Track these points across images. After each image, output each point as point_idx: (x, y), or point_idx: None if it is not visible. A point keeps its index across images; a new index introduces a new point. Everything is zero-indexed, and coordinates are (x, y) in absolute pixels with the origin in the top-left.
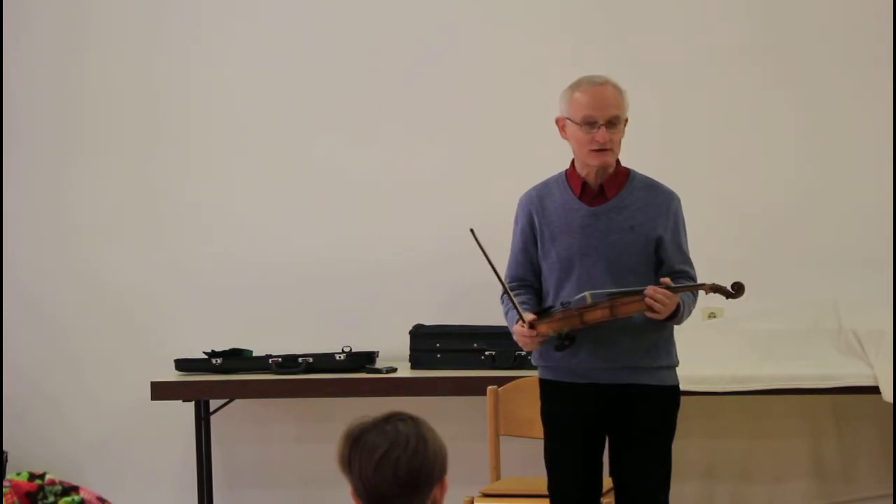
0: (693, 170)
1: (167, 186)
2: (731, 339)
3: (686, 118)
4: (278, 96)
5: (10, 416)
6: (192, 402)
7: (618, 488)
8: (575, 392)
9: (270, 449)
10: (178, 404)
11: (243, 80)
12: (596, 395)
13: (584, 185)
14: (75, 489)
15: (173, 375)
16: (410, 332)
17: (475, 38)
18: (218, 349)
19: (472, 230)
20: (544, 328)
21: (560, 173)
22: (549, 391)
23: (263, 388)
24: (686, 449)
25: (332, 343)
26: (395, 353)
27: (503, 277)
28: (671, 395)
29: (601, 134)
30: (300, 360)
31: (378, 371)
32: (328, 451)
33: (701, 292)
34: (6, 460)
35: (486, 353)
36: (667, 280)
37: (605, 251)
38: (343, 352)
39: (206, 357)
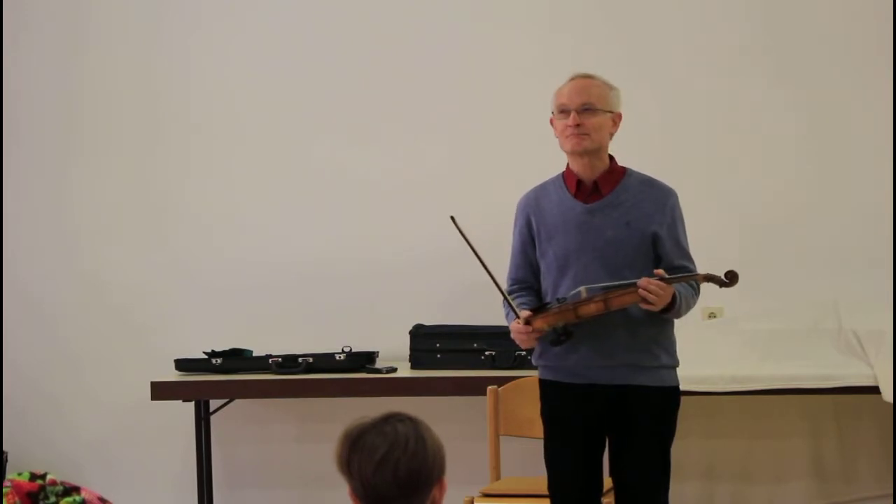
0: (693, 170)
1: (167, 186)
2: (731, 339)
3: (686, 118)
4: (278, 96)
5: (10, 416)
6: (192, 402)
7: (617, 488)
8: (574, 392)
9: (270, 449)
10: (178, 404)
11: (243, 80)
12: (595, 395)
13: (580, 183)
14: (77, 489)
15: (173, 375)
16: (410, 332)
17: (475, 38)
18: (218, 349)
19: (452, 217)
20: (539, 323)
21: (558, 174)
22: (549, 391)
23: (263, 388)
24: (686, 449)
25: (332, 343)
26: (395, 353)
27: (505, 279)
28: (671, 396)
29: (571, 118)
30: (300, 360)
31: (378, 371)
32: (328, 451)
33: (702, 289)
34: (6, 460)
35: (486, 353)
36: (660, 271)
37: (602, 248)
38: (343, 352)
39: (206, 357)
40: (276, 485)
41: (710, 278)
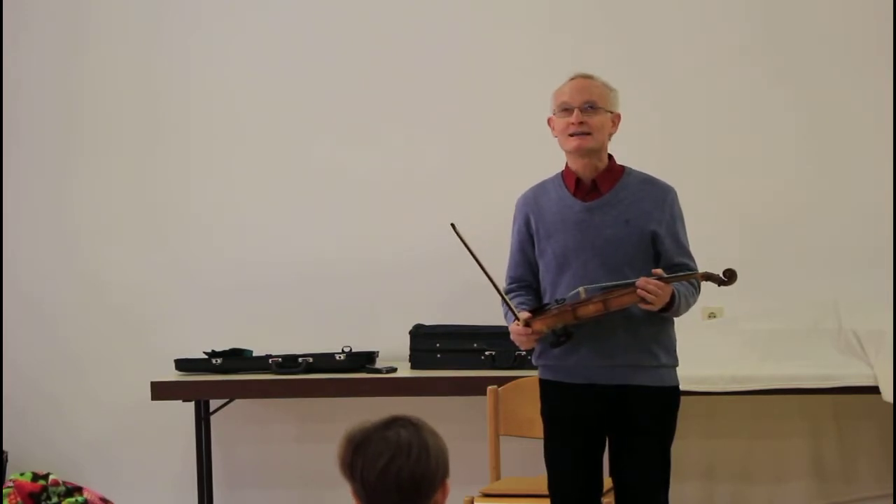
0: (693, 170)
1: (167, 186)
2: (731, 339)
3: (686, 118)
4: (278, 96)
5: (10, 416)
6: (192, 402)
7: (617, 488)
8: (574, 392)
9: (270, 449)
10: (178, 404)
11: (243, 80)
12: (595, 395)
13: (578, 181)
14: (79, 490)
15: (173, 375)
16: (410, 332)
17: (475, 38)
18: (218, 349)
19: (452, 224)
20: (539, 325)
21: (556, 174)
22: (549, 391)
23: (263, 388)
24: (686, 449)
25: (332, 343)
26: (395, 353)
27: (504, 279)
28: (671, 396)
29: (574, 116)
30: (300, 360)
31: (378, 371)
32: (328, 451)
33: (702, 289)
34: (6, 460)
35: (486, 353)
36: (658, 271)
37: (601, 246)
38: (343, 352)
39: (206, 357)
40: (276, 485)
41: (708, 277)
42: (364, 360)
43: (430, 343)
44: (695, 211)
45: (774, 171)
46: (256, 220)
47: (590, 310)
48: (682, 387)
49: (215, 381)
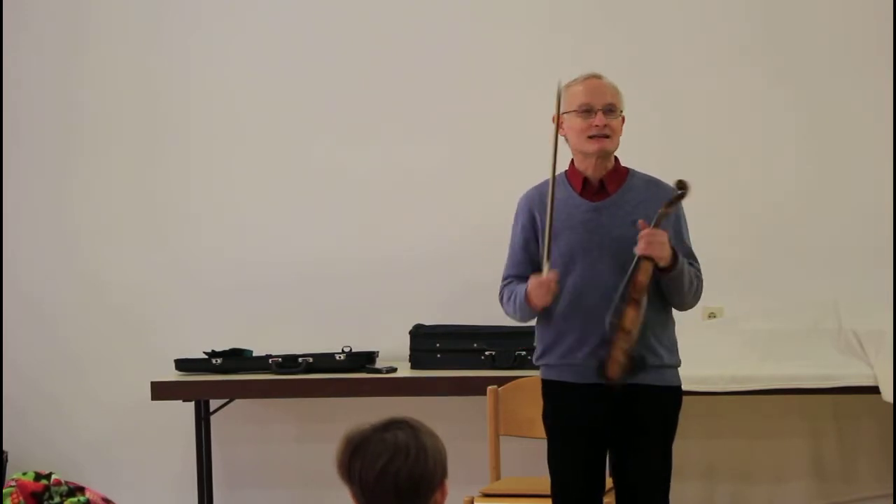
0: (693, 170)
1: (167, 186)
2: (731, 339)
3: (686, 118)
4: (278, 96)
5: (10, 416)
6: (192, 402)
7: (620, 488)
8: (580, 392)
9: (270, 449)
10: (178, 404)
11: (243, 79)
12: (600, 395)
13: (585, 181)
14: (81, 490)
15: (173, 375)
16: (410, 332)
17: (475, 38)
18: (218, 349)
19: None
20: (615, 370)
21: (560, 173)
22: (553, 391)
23: (263, 388)
24: (686, 449)
25: (332, 343)
26: (395, 353)
27: (502, 276)
28: (674, 395)
29: (598, 118)
30: (300, 360)
31: (378, 371)
32: (328, 451)
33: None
34: (6, 460)
35: (486, 353)
36: (641, 222)
37: (609, 246)
38: (343, 352)
39: (206, 357)
40: (276, 485)
41: (669, 204)
42: (364, 360)
43: (430, 343)
44: (694, 211)
45: (774, 172)
46: (256, 220)
47: (630, 315)
48: (682, 387)
49: (215, 381)
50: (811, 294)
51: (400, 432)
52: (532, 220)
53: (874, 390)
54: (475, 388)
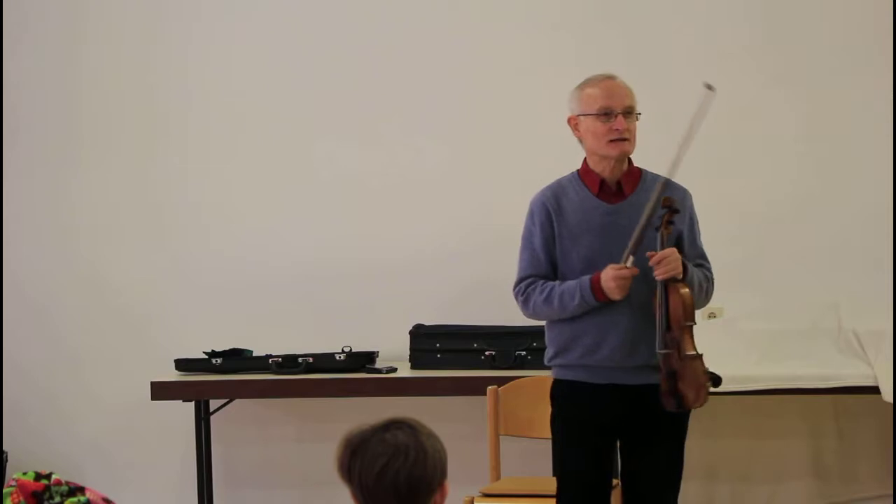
0: (693, 169)
1: (167, 186)
2: (731, 339)
3: (686, 118)
4: (278, 96)
5: (10, 416)
6: (192, 402)
7: (631, 487)
8: (596, 392)
9: (270, 449)
10: (178, 404)
11: (243, 79)
12: (616, 394)
13: (602, 182)
14: (81, 490)
15: (173, 375)
16: (410, 332)
17: (475, 38)
18: (218, 349)
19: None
20: (703, 397)
21: (572, 174)
22: (568, 391)
23: (263, 388)
24: (686, 449)
25: (332, 343)
26: (395, 353)
27: (521, 278)
28: None
29: (619, 122)
30: (300, 360)
31: (378, 371)
32: (328, 451)
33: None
34: (6, 460)
35: (486, 353)
36: (650, 253)
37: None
38: (343, 352)
39: (206, 357)
40: (276, 485)
41: (666, 225)
42: (364, 360)
43: (430, 343)
44: (694, 211)
45: (774, 171)
46: (256, 220)
47: (690, 342)
48: None
49: (215, 381)
50: (811, 294)
51: (400, 433)
52: (550, 220)
53: (874, 390)
54: (475, 388)
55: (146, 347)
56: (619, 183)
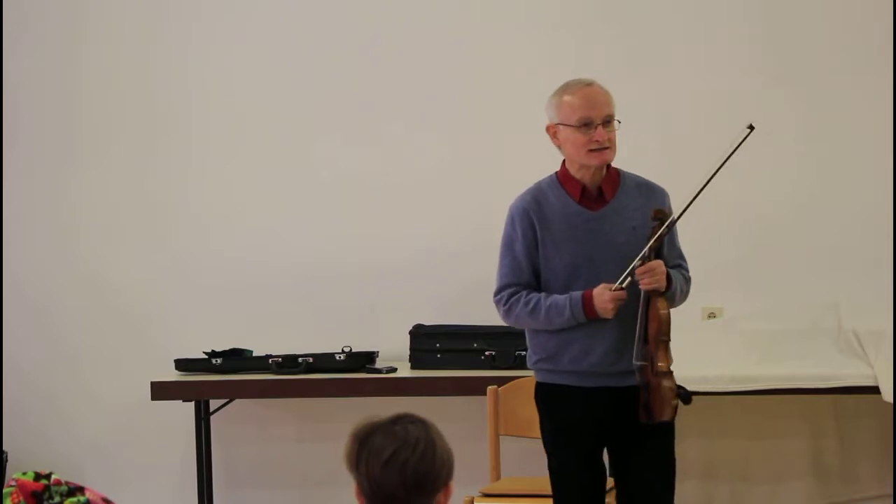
0: (692, 170)
1: (167, 186)
2: (730, 339)
3: (686, 118)
4: (278, 96)
5: (10, 416)
6: (192, 402)
7: (625, 489)
8: (586, 395)
9: (270, 449)
10: (178, 404)
11: (243, 79)
12: (605, 397)
13: (584, 189)
14: (81, 490)
15: (173, 375)
16: (410, 332)
17: (475, 38)
18: (218, 349)
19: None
20: (669, 413)
21: (551, 177)
22: (555, 395)
23: (263, 388)
24: (686, 449)
25: (332, 343)
26: (395, 353)
27: (502, 285)
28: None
29: (599, 133)
30: (300, 360)
31: (378, 371)
32: (328, 451)
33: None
34: (6, 460)
35: (486, 353)
36: (639, 265)
37: (612, 254)
38: (343, 352)
39: (206, 357)
40: (276, 485)
41: (657, 238)
42: (364, 360)
43: (430, 343)
44: (694, 211)
45: (774, 171)
46: (256, 219)
47: (664, 357)
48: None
49: (215, 381)
50: (811, 294)
51: (410, 426)
52: (532, 226)
53: (874, 390)
54: (475, 388)
55: (146, 347)
56: (599, 188)
